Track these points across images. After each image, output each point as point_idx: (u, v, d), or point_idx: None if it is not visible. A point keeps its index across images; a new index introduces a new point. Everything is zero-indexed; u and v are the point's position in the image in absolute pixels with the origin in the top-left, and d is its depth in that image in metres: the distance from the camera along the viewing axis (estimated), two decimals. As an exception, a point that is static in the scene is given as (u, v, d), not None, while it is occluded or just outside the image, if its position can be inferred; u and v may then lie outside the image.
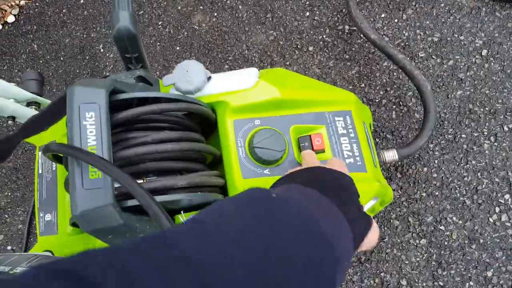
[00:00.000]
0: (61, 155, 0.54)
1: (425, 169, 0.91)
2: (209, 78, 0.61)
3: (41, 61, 1.24)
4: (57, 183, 0.62)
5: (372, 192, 0.64)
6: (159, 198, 0.47)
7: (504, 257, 0.83)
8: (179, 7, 1.17)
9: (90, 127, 0.45)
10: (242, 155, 0.59)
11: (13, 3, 1.32)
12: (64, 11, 1.28)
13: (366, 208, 0.68)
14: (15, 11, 1.31)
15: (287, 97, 0.62)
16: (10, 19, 1.31)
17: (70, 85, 0.47)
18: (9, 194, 1.13)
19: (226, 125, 0.60)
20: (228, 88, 0.61)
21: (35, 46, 1.27)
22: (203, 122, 0.62)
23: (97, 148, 0.45)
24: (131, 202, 0.46)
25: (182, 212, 0.54)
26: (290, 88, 0.64)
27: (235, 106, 0.60)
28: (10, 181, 1.14)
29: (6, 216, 1.11)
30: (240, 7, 1.14)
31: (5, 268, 0.47)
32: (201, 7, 1.16)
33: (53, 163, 0.63)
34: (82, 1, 1.28)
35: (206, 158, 0.62)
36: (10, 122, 0.64)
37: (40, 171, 0.64)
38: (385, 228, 0.90)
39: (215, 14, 1.15)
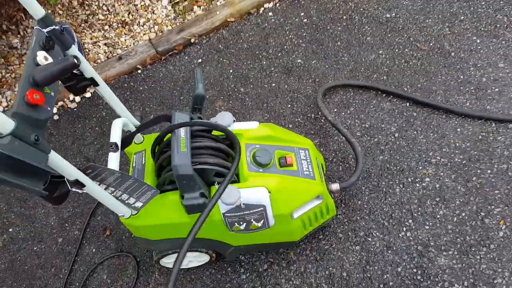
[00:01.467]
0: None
1: (359, 202, 1.37)
2: (234, 121, 1.12)
3: (107, 123, 1.75)
4: (145, 168, 1.07)
5: (317, 190, 1.10)
6: (211, 166, 0.94)
7: (409, 259, 1.25)
8: (208, 96, 1.75)
9: (182, 131, 0.95)
10: (248, 160, 1.06)
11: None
12: (128, 93, 1.85)
13: (315, 203, 1.13)
14: (92, 90, 1.87)
15: (273, 134, 1.13)
16: (88, 95, 1.86)
17: (174, 112, 0.97)
18: (71, 209, 1.52)
19: (241, 146, 1.09)
20: (243, 127, 1.12)
21: (103, 113, 1.79)
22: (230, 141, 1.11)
23: (185, 140, 0.93)
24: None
25: (215, 183, 0.99)
26: (275, 131, 1.15)
27: (246, 136, 1.10)
28: (73, 200, 1.54)
29: (66, 225, 1.49)
30: (247, 99, 1.72)
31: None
32: (222, 97, 1.74)
33: (144, 160, 1.09)
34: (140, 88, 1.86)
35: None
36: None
37: (134, 165, 1.09)
38: (333, 238, 1.31)
39: (230, 102, 1.72)
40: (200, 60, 1.87)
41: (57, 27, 0.78)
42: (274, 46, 1.86)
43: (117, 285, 1.33)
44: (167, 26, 1.96)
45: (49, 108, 0.71)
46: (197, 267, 1.32)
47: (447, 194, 1.36)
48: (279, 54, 1.83)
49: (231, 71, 1.81)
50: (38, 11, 0.75)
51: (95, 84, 0.93)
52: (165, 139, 1.05)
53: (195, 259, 1.25)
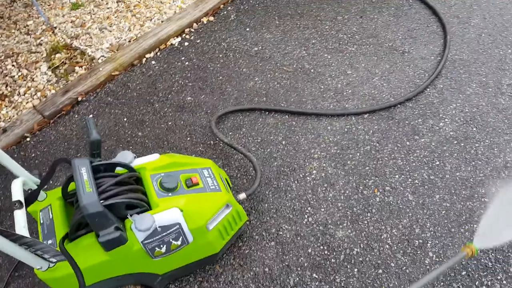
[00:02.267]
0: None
1: (266, 204, 1.53)
2: (135, 157, 1.20)
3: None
4: (54, 223, 1.07)
5: (224, 199, 1.23)
6: (120, 199, 1.00)
7: (315, 240, 1.43)
8: (106, 147, 1.78)
9: (84, 174, 1.00)
10: (156, 188, 1.15)
11: None
12: (20, 162, 1.77)
13: (226, 212, 1.25)
14: None
15: (174, 161, 1.24)
16: None
17: (73, 159, 1.02)
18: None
19: (147, 177, 1.17)
20: (145, 161, 1.21)
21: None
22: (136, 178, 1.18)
23: (89, 181, 0.98)
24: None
25: (128, 215, 1.05)
26: (176, 158, 1.26)
27: (150, 168, 1.19)
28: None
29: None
30: (146, 141, 1.80)
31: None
32: (120, 145, 1.79)
33: (51, 215, 1.09)
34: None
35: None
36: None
37: (41, 221, 1.09)
38: (251, 242, 1.44)
39: (130, 147, 1.78)
40: (91, 115, 1.91)
41: None
42: (163, 90, 2.00)
43: None
44: (50, 90, 1.96)
45: None
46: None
47: (331, 179, 1.61)
48: (169, 96, 1.97)
49: (125, 119, 1.88)
50: None
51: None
52: (69, 188, 1.08)
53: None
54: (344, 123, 1.82)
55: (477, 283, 1.31)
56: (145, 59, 2.13)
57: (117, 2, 2.43)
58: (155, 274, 1.19)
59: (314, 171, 1.64)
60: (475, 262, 1.36)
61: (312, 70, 2.09)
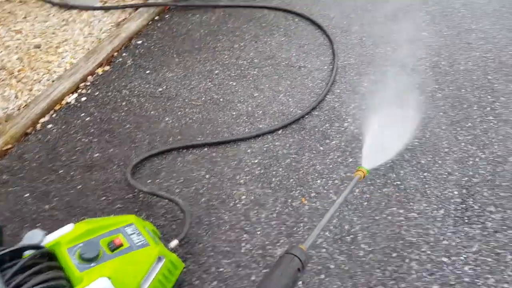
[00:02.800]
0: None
1: (201, 245, 1.50)
2: (45, 234, 1.10)
3: None
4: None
5: (155, 253, 1.18)
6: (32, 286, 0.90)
7: (256, 265, 1.44)
8: (8, 232, 1.60)
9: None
10: (76, 262, 1.06)
11: None
12: None
13: (159, 265, 1.20)
14: None
15: (92, 227, 1.16)
16: None
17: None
18: None
19: (63, 252, 1.07)
20: (58, 235, 1.11)
21: None
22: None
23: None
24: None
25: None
26: (93, 223, 1.19)
27: (65, 241, 1.10)
28: None
29: None
30: (56, 213, 1.66)
31: None
32: (26, 225, 1.63)
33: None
34: None
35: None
36: None
37: None
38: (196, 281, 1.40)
39: (39, 223, 1.63)
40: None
41: None
42: (65, 153, 1.88)
43: None
44: None
45: None
46: None
47: (261, 200, 1.65)
48: (73, 158, 1.85)
49: (27, 195, 1.70)
50: None
51: None
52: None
53: None
54: (262, 143, 1.89)
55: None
56: (39, 124, 1.99)
57: (-4, 70, 2.26)
58: None
59: (243, 197, 1.66)
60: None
61: (221, 99, 2.15)
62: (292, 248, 0.81)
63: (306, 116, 2.02)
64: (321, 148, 1.86)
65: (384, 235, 1.51)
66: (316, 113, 2.04)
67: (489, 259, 1.42)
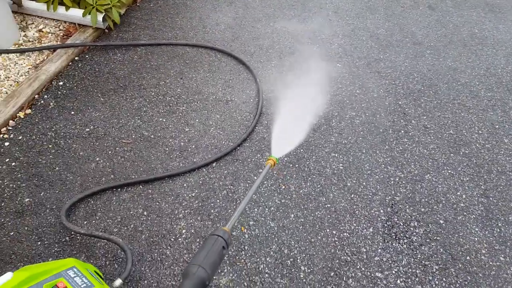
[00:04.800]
0: None
1: (146, 281, 1.58)
2: (-17, 286, 1.11)
3: None
4: None
5: (102, 292, 1.25)
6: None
7: None
8: None
9: None
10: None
11: None
12: None
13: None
14: None
15: (32, 273, 1.20)
16: None
17: None
18: None
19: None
20: (-3, 286, 1.13)
21: None
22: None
23: None
24: None
25: None
26: (33, 269, 1.23)
27: (5, 291, 1.13)
28: None
29: None
30: None
31: None
32: None
33: None
34: None
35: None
36: None
37: None
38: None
39: None
40: None
41: None
42: (-10, 201, 1.83)
43: None
44: None
45: None
46: None
47: (202, 232, 1.78)
48: (2, 204, 1.82)
49: (-51, 248, 1.64)
50: None
51: None
52: None
53: None
54: (197, 176, 2.05)
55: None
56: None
57: None
58: None
59: (184, 230, 1.79)
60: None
61: (152, 136, 2.27)
62: (216, 230, 0.90)
63: (238, 148, 2.23)
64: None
65: (321, 256, 1.74)
66: (247, 144, 2.26)
67: (418, 271, 1.70)
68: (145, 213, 1.85)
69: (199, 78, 2.71)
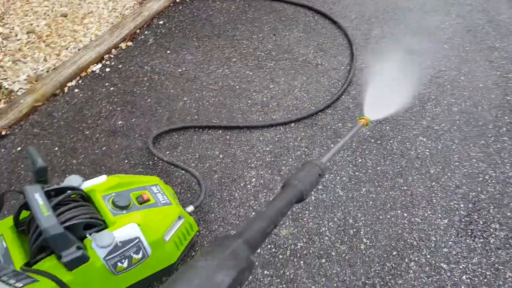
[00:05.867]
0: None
1: (213, 215, 1.74)
2: (83, 180, 1.32)
3: None
4: (9, 251, 1.14)
5: (177, 212, 1.41)
6: (78, 220, 1.13)
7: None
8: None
9: (39, 199, 1.11)
10: (110, 208, 1.29)
11: None
12: None
13: (179, 224, 1.43)
14: None
15: (123, 181, 1.39)
16: None
17: (24, 186, 1.13)
18: None
19: (98, 198, 1.30)
20: (94, 183, 1.34)
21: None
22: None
23: (45, 205, 1.10)
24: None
25: (87, 235, 1.18)
26: (124, 178, 1.42)
27: (100, 189, 1.33)
28: None
29: None
30: (82, 167, 1.88)
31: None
32: (56, 174, 1.84)
33: (4, 244, 1.16)
34: None
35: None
36: None
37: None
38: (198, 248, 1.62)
39: (67, 175, 1.85)
40: (19, 148, 1.93)
41: None
42: (91, 116, 2.11)
43: None
44: (-32, 129, 1.94)
45: None
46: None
47: (270, 184, 1.88)
48: (99, 122, 2.08)
49: (56, 148, 1.94)
50: None
51: None
52: (21, 216, 1.17)
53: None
54: (274, 133, 2.13)
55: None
56: (67, 88, 2.21)
57: (27, 33, 2.47)
58: (116, 292, 1.30)
59: (253, 179, 1.90)
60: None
61: (237, 87, 2.38)
62: (313, 159, 0.92)
63: (320, 113, 2.25)
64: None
65: (387, 234, 1.74)
66: (330, 111, 2.27)
67: (488, 273, 1.63)
68: (220, 155, 1.99)
69: (292, 37, 2.74)
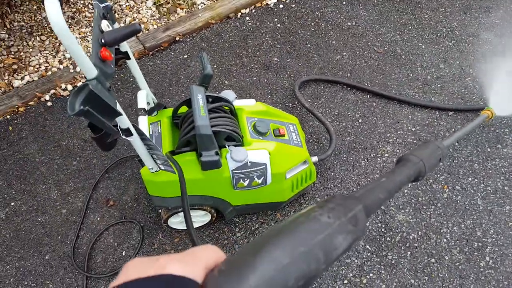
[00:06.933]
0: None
1: (332, 173, 1.76)
2: (235, 98, 1.46)
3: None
4: (161, 136, 1.36)
5: (304, 156, 1.47)
6: (225, 129, 1.27)
7: (374, 216, 1.64)
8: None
9: (200, 100, 1.27)
10: (250, 129, 1.41)
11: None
12: (119, 83, 2.11)
13: (302, 167, 1.49)
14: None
15: (267, 110, 1.49)
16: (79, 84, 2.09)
17: (191, 85, 1.29)
18: (72, 185, 1.74)
19: (243, 118, 1.43)
20: (243, 104, 1.47)
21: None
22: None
23: (204, 107, 1.26)
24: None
25: (226, 145, 1.32)
26: (269, 108, 1.51)
27: (246, 111, 1.45)
28: (74, 176, 1.77)
29: (69, 198, 1.71)
30: (231, 89, 2.07)
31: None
32: (209, 89, 2.07)
33: (159, 129, 1.38)
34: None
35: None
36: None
37: (151, 133, 1.39)
38: (312, 202, 1.68)
39: (217, 92, 2.06)
40: (185, 56, 2.21)
41: (109, 4, 1.06)
42: (252, 46, 2.25)
43: (123, 247, 1.58)
44: (152, 25, 2.28)
45: (112, 66, 0.99)
46: (198, 229, 1.61)
47: (403, 165, 1.79)
48: (257, 53, 2.22)
49: (215, 66, 2.16)
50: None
51: (128, 58, 1.21)
52: (179, 110, 1.37)
53: (198, 220, 1.54)
54: (427, 115, 1.98)
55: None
56: (240, 13, 2.39)
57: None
58: (229, 203, 1.46)
59: (386, 154, 1.83)
60: None
61: (403, 56, 2.24)
62: (436, 141, 0.89)
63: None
64: (488, 149, 1.86)
65: (515, 261, 1.54)
66: (500, 113, 1.99)
67: None
68: (360, 120, 1.95)
69: (485, 21, 2.41)
